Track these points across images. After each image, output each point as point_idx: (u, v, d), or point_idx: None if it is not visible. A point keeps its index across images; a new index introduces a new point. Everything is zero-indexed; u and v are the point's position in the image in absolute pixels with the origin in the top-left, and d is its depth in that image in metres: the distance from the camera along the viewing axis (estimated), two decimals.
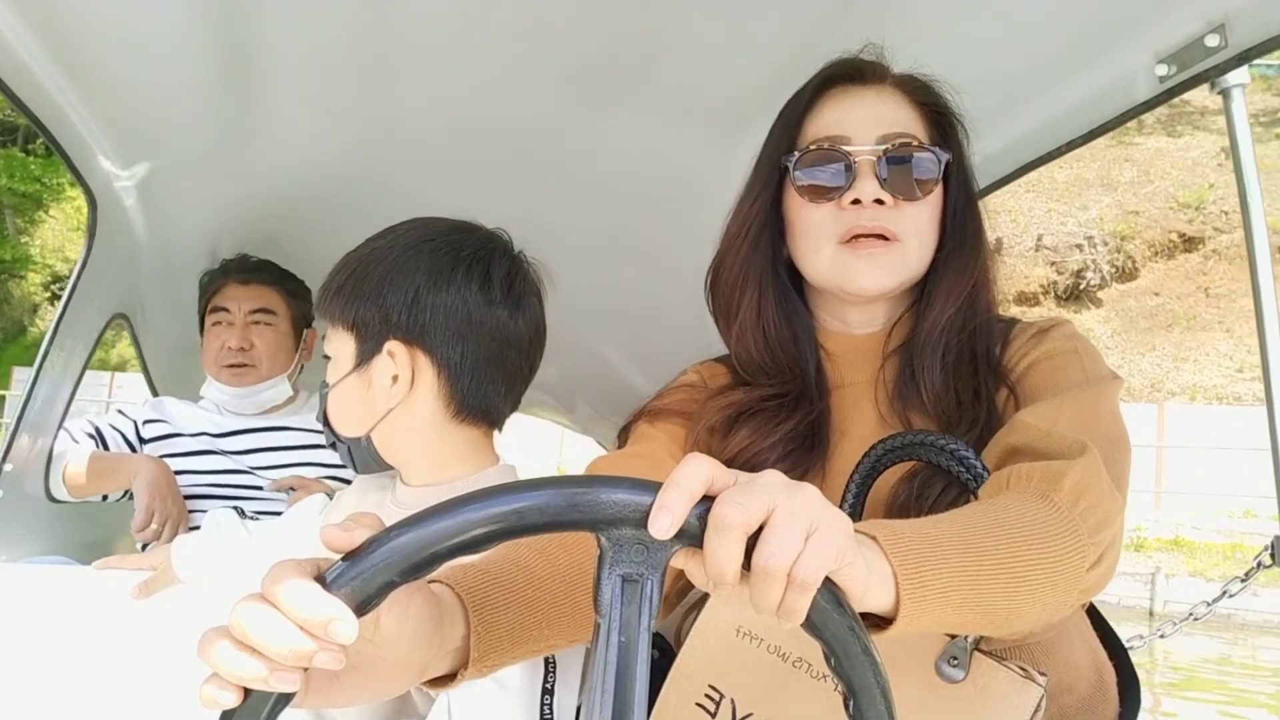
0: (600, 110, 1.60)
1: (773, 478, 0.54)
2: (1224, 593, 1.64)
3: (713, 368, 1.14)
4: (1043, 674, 0.82)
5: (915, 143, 1.01)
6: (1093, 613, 1.07)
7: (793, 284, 1.10)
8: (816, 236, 1.02)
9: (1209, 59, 1.23)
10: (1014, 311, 1.11)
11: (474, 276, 1.10)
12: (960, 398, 0.98)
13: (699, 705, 0.85)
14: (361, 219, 1.22)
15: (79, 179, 1.73)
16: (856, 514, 0.91)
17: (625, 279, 2.18)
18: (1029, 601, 0.71)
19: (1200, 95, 1.36)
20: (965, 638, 0.82)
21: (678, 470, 0.52)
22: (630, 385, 2.58)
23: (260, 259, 2.07)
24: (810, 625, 0.54)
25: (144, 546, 1.85)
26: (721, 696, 0.84)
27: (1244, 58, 1.21)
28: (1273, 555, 1.35)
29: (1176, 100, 1.36)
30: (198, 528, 1.41)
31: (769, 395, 1.04)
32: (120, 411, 2.10)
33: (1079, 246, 18.26)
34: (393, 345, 1.09)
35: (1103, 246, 18.26)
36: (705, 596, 0.88)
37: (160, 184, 1.84)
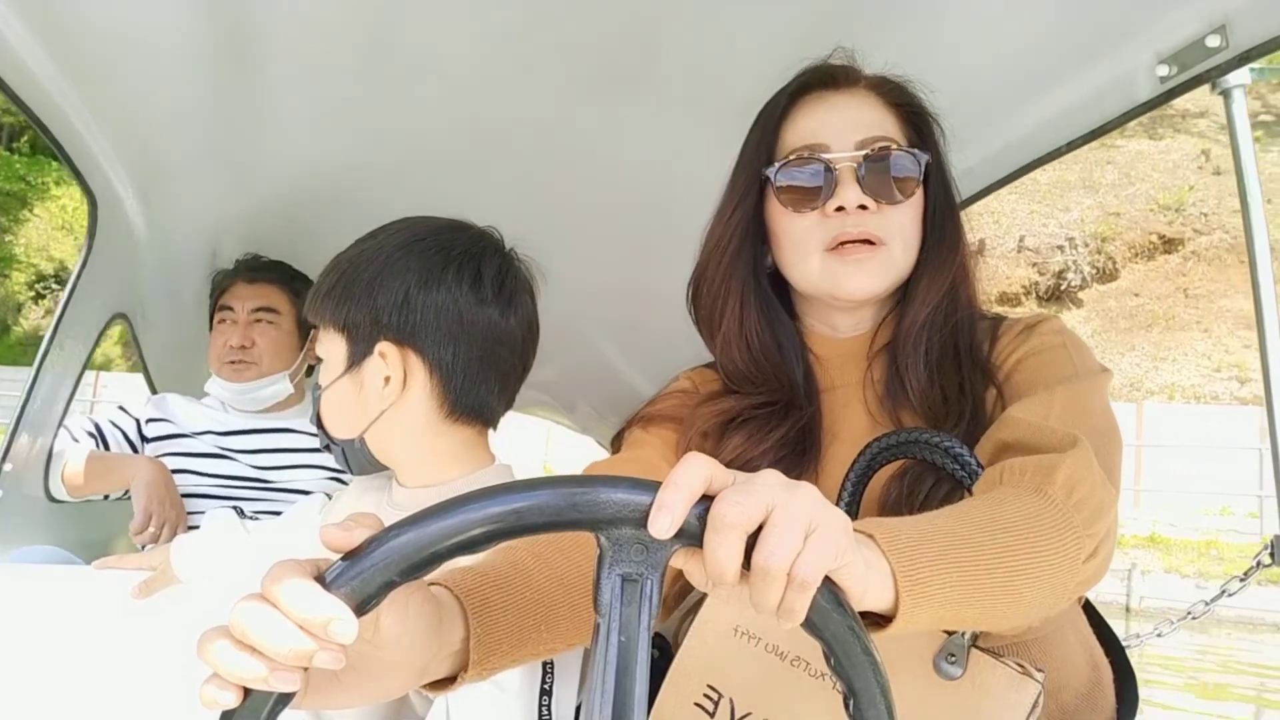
0: (601, 110, 1.60)
1: (772, 477, 0.54)
2: (1223, 591, 1.64)
3: (704, 374, 1.15)
4: (1040, 670, 0.82)
5: (894, 145, 1.02)
6: (1089, 611, 1.07)
7: (775, 291, 1.11)
8: (803, 245, 1.03)
9: (1209, 59, 1.24)
10: (995, 311, 1.11)
11: (464, 276, 1.10)
12: (946, 393, 0.99)
13: (697, 705, 0.85)
14: (361, 219, 1.22)
15: (79, 179, 1.73)
16: (853, 512, 0.91)
17: (625, 280, 2.18)
18: (1027, 595, 0.71)
19: (1181, 98, 1.36)
20: (963, 634, 0.82)
21: (677, 469, 0.52)
22: (630, 385, 2.58)
23: (271, 259, 2.08)
24: (810, 625, 0.54)
25: (144, 546, 1.85)
26: (720, 696, 0.84)
27: (1244, 58, 1.21)
28: (1272, 555, 1.35)
29: None
30: (197, 527, 1.41)
31: (759, 403, 1.05)
32: (122, 409, 2.10)
33: (1060, 248, 18.48)
34: (384, 346, 1.09)
35: (1084, 248, 18.49)
36: (704, 597, 0.88)
37: (160, 184, 1.84)
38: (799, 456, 1.00)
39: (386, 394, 1.10)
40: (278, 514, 1.84)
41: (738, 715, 0.83)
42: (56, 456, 1.90)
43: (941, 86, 1.09)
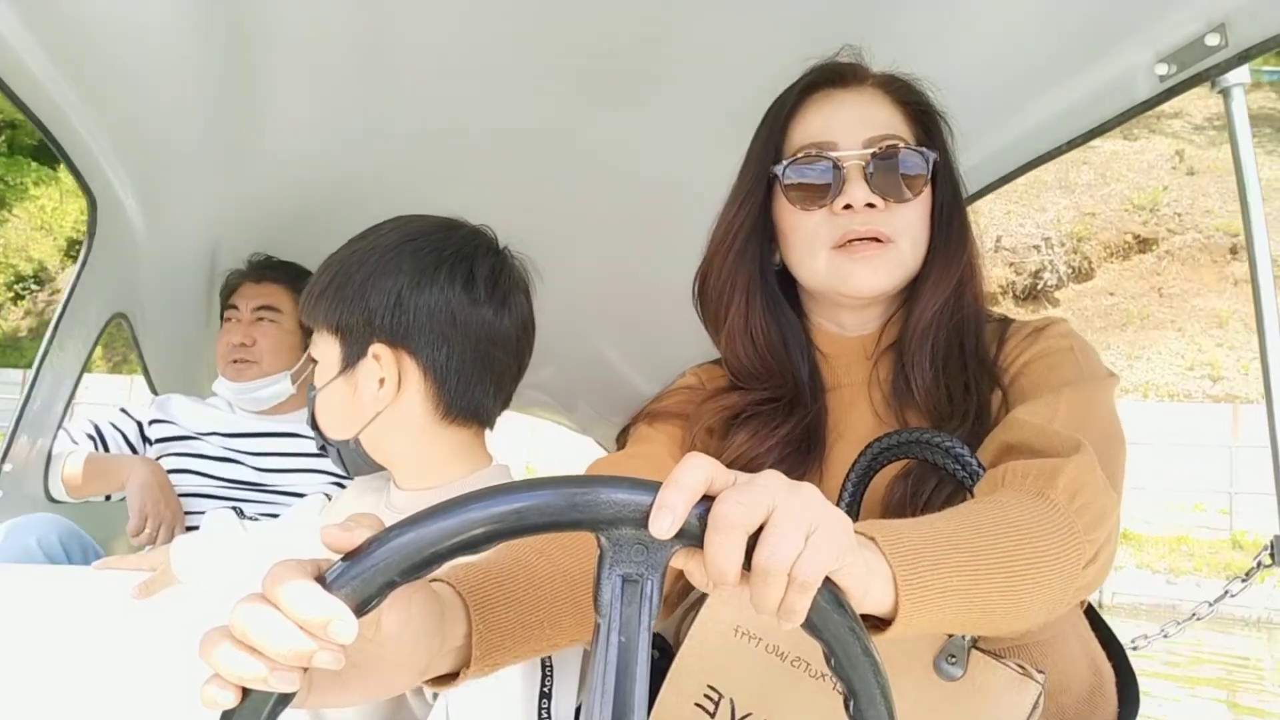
0: (601, 111, 1.60)
1: (773, 478, 0.54)
2: (1225, 592, 1.64)
3: (711, 370, 1.15)
4: (1040, 672, 0.82)
5: (902, 143, 1.02)
6: (1091, 614, 1.07)
7: (783, 288, 1.11)
8: (810, 243, 1.02)
9: (1209, 58, 1.23)
10: (1001, 313, 1.11)
11: (457, 276, 1.09)
12: (951, 393, 0.99)
13: (698, 705, 0.85)
14: (361, 219, 1.22)
15: (79, 179, 1.73)
16: (854, 513, 0.91)
17: (626, 279, 2.18)
18: (1026, 600, 0.71)
19: None
20: (963, 636, 0.82)
21: (678, 470, 0.52)
22: (630, 385, 2.58)
23: (281, 260, 2.08)
24: (810, 625, 0.54)
25: (144, 547, 1.85)
26: (720, 696, 0.84)
27: (1244, 57, 1.21)
28: (1272, 555, 1.35)
29: None
30: (196, 528, 1.41)
31: (764, 399, 1.05)
32: (123, 410, 2.10)
33: (1037, 247, 18.65)
34: (377, 348, 1.08)
35: (1060, 247, 18.65)
36: (706, 596, 0.88)
37: (160, 184, 1.84)
38: (803, 454, 1.00)
39: (381, 396, 1.09)
40: (278, 516, 1.84)
41: (738, 715, 0.83)
42: (56, 457, 1.90)
43: (941, 86, 1.09)
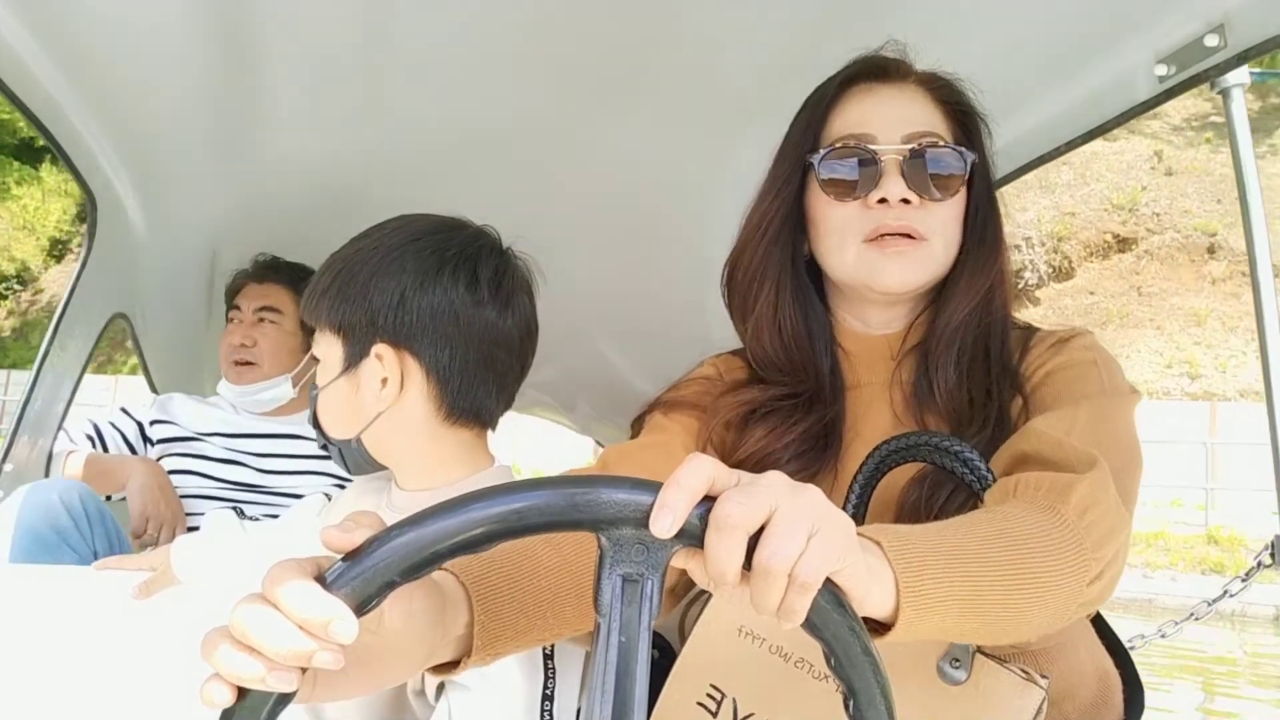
0: (601, 110, 1.60)
1: (776, 479, 0.54)
2: (1224, 592, 1.64)
3: (730, 361, 1.13)
4: (1044, 677, 0.81)
5: (941, 142, 1.01)
6: (1098, 620, 1.06)
7: (811, 282, 1.09)
8: (842, 234, 1.01)
9: (1208, 59, 1.24)
10: (1027, 321, 1.10)
11: (461, 276, 1.09)
12: (973, 397, 0.98)
13: (700, 704, 0.85)
14: (362, 218, 1.22)
15: (79, 179, 1.73)
16: (860, 514, 0.90)
17: (625, 279, 2.18)
18: (1029, 613, 0.71)
19: None
20: None
21: (679, 470, 0.52)
22: (630, 385, 2.58)
23: (286, 260, 2.07)
24: (810, 625, 0.54)
25: (145, 548, 1.85)
26: (723, 696, 0.84)
27: (1244, 58, 1.21)
28: (1273, 555, 1.35)
29: None
30: (197, 529, 1.41)
31: (784, 395, 1.03)
32: (124, 410, 2.10)
33: (1017, 247, 18.93)
34: (380, 348, 1.08)
35: (1040, 247, 18.79)
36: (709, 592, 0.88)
37: (160, 184, 1.84)
38: (820, 453, 0.99)
39: (384, 396, 1.09)
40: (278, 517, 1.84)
41: (740, 715, 0.83)
42: (56, 457, 1.90)
43: None
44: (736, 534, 0.51)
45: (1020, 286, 18.39)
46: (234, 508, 1.90)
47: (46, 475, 1.88)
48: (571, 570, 0.76)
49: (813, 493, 0.54)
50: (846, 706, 0.56)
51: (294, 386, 2.03)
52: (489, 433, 1.19)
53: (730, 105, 1.57)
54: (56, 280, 24.04)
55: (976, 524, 0.72)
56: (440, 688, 0.91)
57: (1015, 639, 0.74)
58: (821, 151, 1.02)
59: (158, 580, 1.23)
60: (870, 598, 0.60)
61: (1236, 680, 8.12)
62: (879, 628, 0.64)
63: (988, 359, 1.01)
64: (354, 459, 1.17)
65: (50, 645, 1.17)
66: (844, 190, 1.01)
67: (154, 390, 2.39)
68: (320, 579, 0.52)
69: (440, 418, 1.11)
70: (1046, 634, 0.75)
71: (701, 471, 0.52)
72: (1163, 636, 1.79)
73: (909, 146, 0.99)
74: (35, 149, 22.96)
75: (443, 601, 0.65)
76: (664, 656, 1.06)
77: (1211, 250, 17.51)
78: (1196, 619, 1.70)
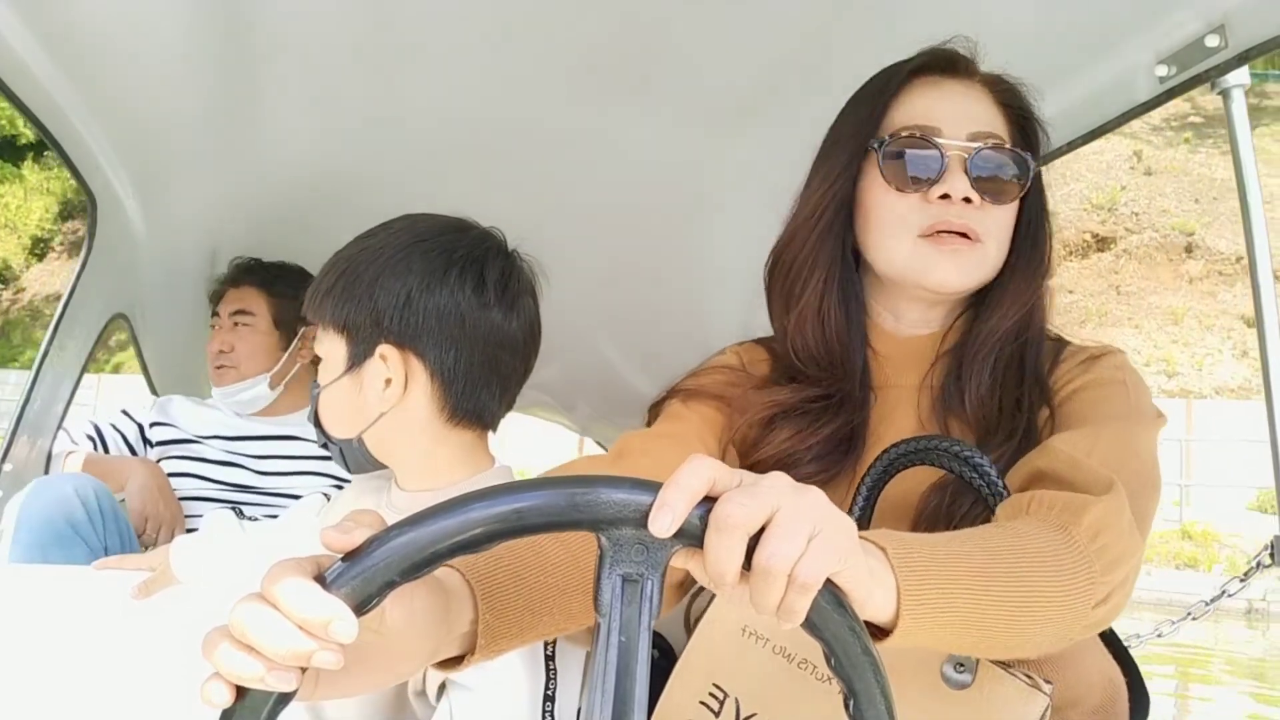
0: (602, 110, 1.60)
1: (778, 480, 0.54)
2: (1223, 592, 1.64)
3: (753, 350, 1.10)
4: (1048, 683, 0.81)
5: (1005, 145, 0.99)
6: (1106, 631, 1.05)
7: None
8: (897, 226, 0.99)
9: (1209, 59, 1.23)
10: (1058, 334, 1.09)
11: (467, 278, 1.08)
12: (1003, 406, 0.96)
13: (703, 704, 0.85)
14: (363, 218, 1.22)
15: (79, 179, 1.73)
16: (866, 517, 0.89)
17: (626, 279, 2.18)
18: (1030, 631, 0.70)
19: None
20: None
21: (680, 470, 0.52)
22: (630, 385, 2.58)
23: (256, 261, 2.08)
24: (810, 625, 0.54)
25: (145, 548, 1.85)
26: (725, 695, 0.84)
27: (1244, 58, 1.21)
28: (1272, 555, 1.35)
29: None
30: (196, 530, 1.41)
31: (815, 396, 1.01)
32: (125, 412, 2.10)
33: None
34: (385, 349, 1.08)
35: None
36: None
37: (160, 184, 1.84)
38: (842, 456, 0.98)
39: (387, 396, 1.09)
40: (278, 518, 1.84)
41: (743, 715, 0.83)
42: (56, 457, 1.90)
43: None
44: (736, 534, 0.51)
45: None
46: (233, 508, 1.90)
47: (47, 475, 1.88)
48: (579, 565, 0.75)
49: (814, 494, 0.54)
50: (846, 707, 0.56)
51: (271, 387, 2.03)
52: (490, 434, 1.19)
53: (731, 106, 1.57)
54: (38, 279, 23.92)
55: (985, 537, 0.72)
56: (441, 687, 0.91)
57: (1014, 654, 0.74)
58: (885, 138, 1.00)
59: (157, 580, 1.23)
60: (871, 601, 0.59)
61: (1209, 668, 8.27)
62: (879, 633, 0.64)
63: (1022, 369, 0.99)
64: (355, 458, 1.17)
65: (50, 645, 1.17)
66: (906, 181, 0.98)
67: (153, 391, 2.39)
68: (320, 579, 0.52)
69: (443, 419, 1.11)
70: (1048, 653, 0.75)
71: (702, 472, 0.52)
72: (1159, 636, 1.78)
73: (975, 145, 0.97)
74: (17, 146, 22.72)
75: (446, 599, 0.64)
76: (664, 656, 1.06)
77: (1189, 249, 17.62)
78: (1194, 619, 1.70)
